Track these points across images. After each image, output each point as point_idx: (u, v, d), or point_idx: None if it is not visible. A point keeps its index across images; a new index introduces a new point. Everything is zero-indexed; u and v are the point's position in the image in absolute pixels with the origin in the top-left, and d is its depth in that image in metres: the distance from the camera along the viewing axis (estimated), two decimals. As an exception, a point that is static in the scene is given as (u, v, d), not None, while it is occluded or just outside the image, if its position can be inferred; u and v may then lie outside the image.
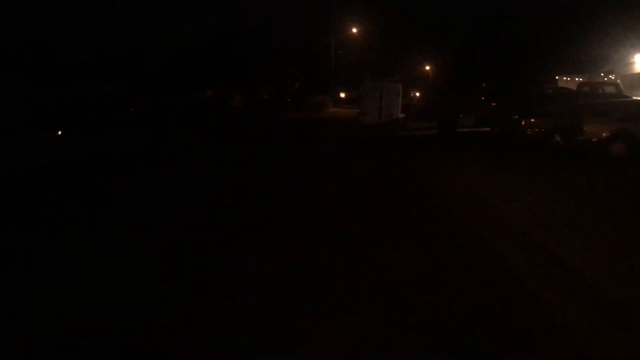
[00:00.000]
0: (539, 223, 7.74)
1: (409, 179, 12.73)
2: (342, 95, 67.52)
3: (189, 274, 5.95)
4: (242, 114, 43.06)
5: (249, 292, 5.35)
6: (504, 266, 5.92)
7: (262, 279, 5.75)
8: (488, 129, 24.57)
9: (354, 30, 57.29)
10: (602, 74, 30.80)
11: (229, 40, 50.48)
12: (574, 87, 26.61)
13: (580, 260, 6.01)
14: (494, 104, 25.39)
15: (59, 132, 23.00)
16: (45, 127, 22.06)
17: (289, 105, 52.64)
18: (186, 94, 40.41)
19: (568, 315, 4.56)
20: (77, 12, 69.00)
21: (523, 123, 18.99)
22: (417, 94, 51.38)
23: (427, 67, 61.03)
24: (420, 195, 10.66)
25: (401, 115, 32.74)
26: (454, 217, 8.54)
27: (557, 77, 33.35)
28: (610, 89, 23.71)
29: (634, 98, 20.63)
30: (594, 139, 15.72)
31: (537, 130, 18.62)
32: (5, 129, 20.18)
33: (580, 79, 29.98)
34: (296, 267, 6.15)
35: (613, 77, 29.66)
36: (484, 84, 32.32)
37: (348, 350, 4.08)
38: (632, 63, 28.95)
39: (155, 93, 35.74)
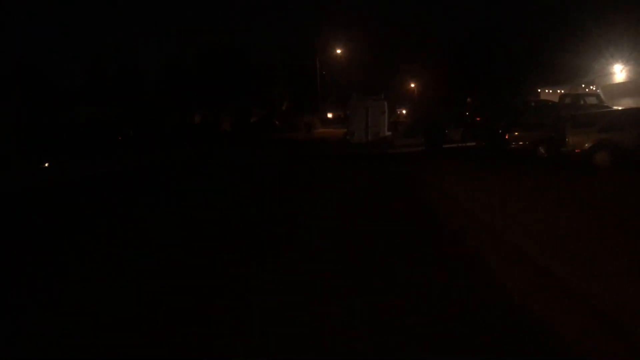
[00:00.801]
0: (526, 234, 7.86)
1: (394, 191, 12.92)
2: (330, 115, 68.03)
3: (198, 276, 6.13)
4: (232, 136, 43.27)
5: (254, 294, 5.52)
6: (487, 270, 6.04)
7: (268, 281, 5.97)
8: (474, 143, 24.91)
9: (339, 50, 57.85)
10: (583, 85, 31.29)
11: (216, 62, 50.94)
12: (556, 98, 27.04)
13: (563, 265, 6.14)
14: (478, 118, 25.76)
15: (46, 165, 23.01)
16: (37, 154, 22.23)
17: (277, 127, 52.94)
18: (176, 118, 40.64)
19: (549, 317, 4.67)
20: (66, 38, 69.21)
21: (507, 137, 19.30)
22: (404, 112, 51.86)
23: (412, 85, 61.60)
24: (405, 200, 10.97)
25: (388, 133, 33.02)
26: (439, 222, 8.79)
27: (539, 90, 33.85)
28: (591, 100, 24.15)
29: (615, 108, 21.02)
30: (577, 150, 16.01)
31: (521, 143, 18.94)
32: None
33: (562, 91, 30.44)
34: (301, 267, 6.59)
35: (594, 88, 30.15)
36: (469, 99, 32.73)
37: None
38: (612, 73, 29.45)
39: (147, 117, 35.92)
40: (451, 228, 8.76)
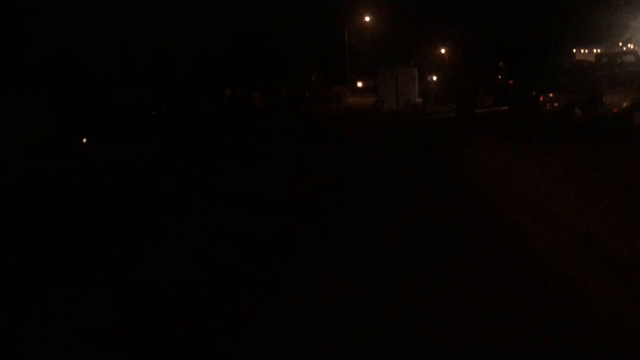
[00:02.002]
0: (563, 198, 7.76)
1: (421, 151, 12.92)
2: (360, 84, 67.46)
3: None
4: (264, 110, 43.38)
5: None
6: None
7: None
8: (507, 107, 24.46)
9: (367, 18, 57.02)
10: (620, 44, 30.30)
11: (245, 40, 51.14)
12: (591, 58, 26.29)
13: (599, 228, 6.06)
14: (511, 82, 25.23)
15: (84, 140, 23.57)
16: (75, 136, 22.76)
17: (307, 99, 52.78)
18: (207, 95, 40.87)
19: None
20: (96, 22, 69.59)
21: (541, 99, 18.88)
22: (434, 78, 51.11)
23: (443, 51, 60.51)
24: (432, 161, 10.85)
25: (418, 100, 32.68)
26: (471, 187, 8.79)
27: (574, 50, 32.93)
28: (629, 58, 23.33)
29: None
30: (614, 110, 15.59)
31: (556, 105, 18.50)
32: (38, 140, 20.85)
33: (598, 50, 29.57)
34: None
35: (631, 46, 29.16)
36: (500, 63, 32.05)
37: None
38: (651, 30, 28.49)
39: (179, 96, 36.26)
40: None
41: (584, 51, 31.80)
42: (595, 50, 30.13)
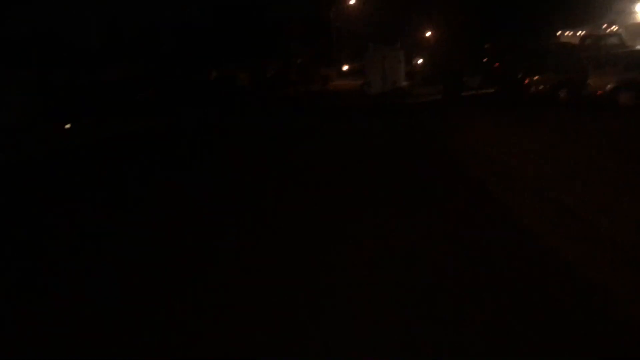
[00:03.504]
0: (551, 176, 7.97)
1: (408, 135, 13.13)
2: (345, 67, 67.16)
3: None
4: (251, 91, 43.28)
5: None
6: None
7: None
8: (493, 89, 24.69)
9: (353, 1, 56.66)
10: (604, 26, 30.53)
11: (231, 18, 50.69)
12: (576, 41, 26.55)
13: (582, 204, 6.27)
14: (497, 64, 25.42)
15: (68, 126, 23.39)
16: (59, 118, 22.66)
17: (293, 81, 52.60)
18: (193, 75, 40.59)
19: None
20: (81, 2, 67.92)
21: (527, 81, 19.12)
22: (420, 61, 51.15)
23: (429, 33, 60.42)
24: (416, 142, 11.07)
25: (405, 83, 32.83)
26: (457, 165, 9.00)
27: (558, 32, 33.10)
28: (613, 40, 23.66)
29: (638, 47, 20.66)
30: (599, 92, 15.84)
31: (541, 87, 18.75)
32: (22, 123, 20.75)
33: (582, 32, 29.81)
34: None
35: (615, 28, 29.42)
36: (486, 45, 32.18)
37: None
38: (635, 12, 28.69)
39: (165, 78, 35.96)
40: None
41: (568, 34, 32.00)
42: (579, 33, 30.33)
